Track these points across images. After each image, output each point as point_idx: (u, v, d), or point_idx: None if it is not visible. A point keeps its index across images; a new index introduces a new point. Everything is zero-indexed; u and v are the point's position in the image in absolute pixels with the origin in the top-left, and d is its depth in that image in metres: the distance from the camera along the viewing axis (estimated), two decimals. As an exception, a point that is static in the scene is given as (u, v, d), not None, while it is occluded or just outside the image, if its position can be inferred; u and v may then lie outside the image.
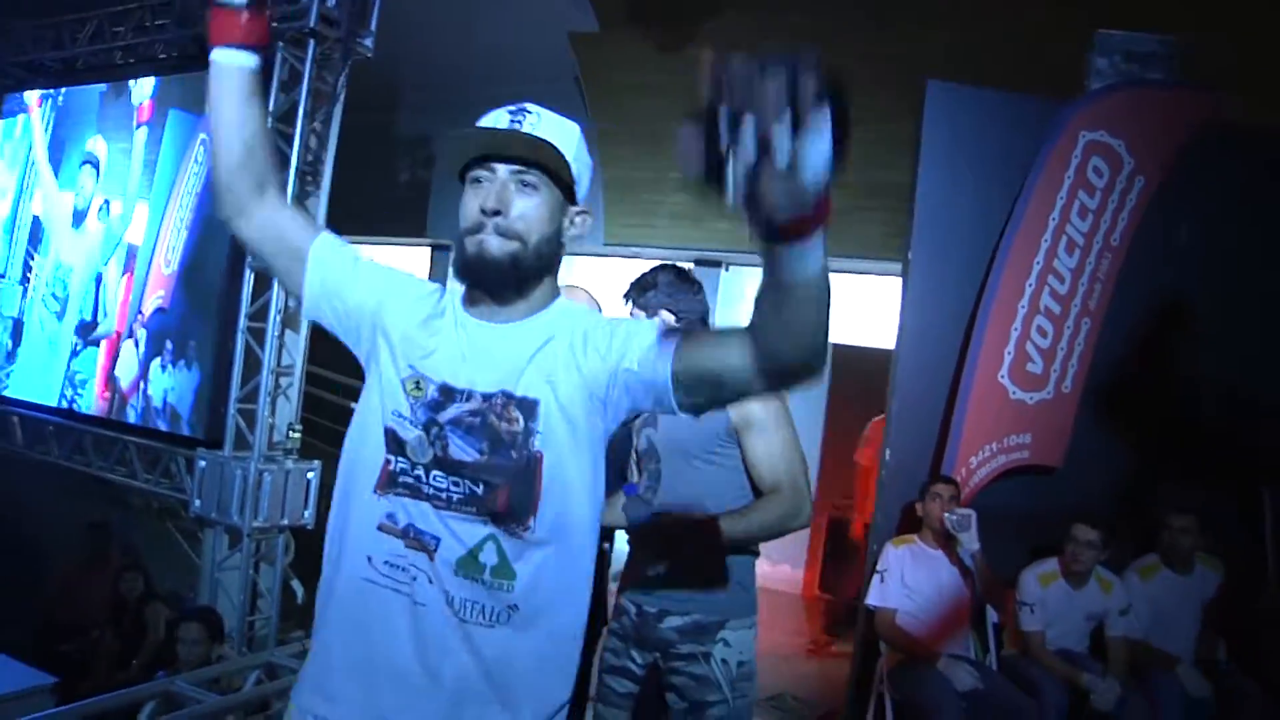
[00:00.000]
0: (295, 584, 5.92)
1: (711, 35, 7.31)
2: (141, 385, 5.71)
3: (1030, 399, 4.40)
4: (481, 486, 1.50)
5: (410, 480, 1.52)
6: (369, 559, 1.53)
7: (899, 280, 4.80)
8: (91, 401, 6.04)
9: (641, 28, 7.58)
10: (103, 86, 6.30)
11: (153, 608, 5.87)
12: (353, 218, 5.68)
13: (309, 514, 5.52)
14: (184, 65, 6.25)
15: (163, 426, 5.59)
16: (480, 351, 1.54)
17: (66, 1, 6.83)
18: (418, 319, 1.58)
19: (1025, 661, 3.99)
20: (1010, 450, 4.39)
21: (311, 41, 5.40)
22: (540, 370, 1.51)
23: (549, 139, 1.47)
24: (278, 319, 5.40)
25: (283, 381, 5.56)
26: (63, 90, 6.53)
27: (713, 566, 2.47)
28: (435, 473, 1.51)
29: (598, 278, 8.39)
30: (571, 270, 8.53)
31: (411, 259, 9.39)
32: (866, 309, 7.39)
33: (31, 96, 6.67)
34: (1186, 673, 3.99)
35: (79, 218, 6.21)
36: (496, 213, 1.47)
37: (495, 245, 1.48)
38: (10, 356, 6.64)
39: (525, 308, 1.55)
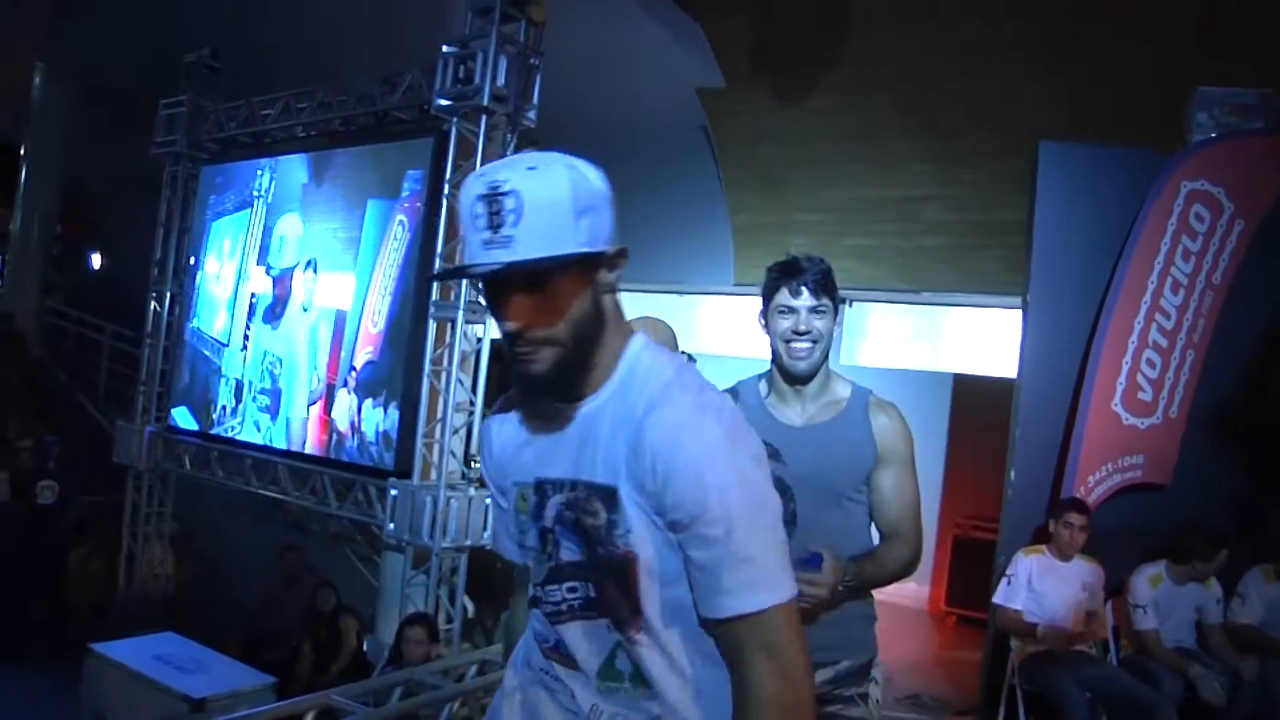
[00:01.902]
0: (466, 600, 6.76)
1: (828, 87, 8.05)
2: (357, 423, 6.65)
3: (1141, 424, 5.00)
4: (593, 588, 1.46)
5: (541, 598, 1.53)
6: (529, 662, 1.62)
7: (1015, 313, 5.43)
8: (310, 443, 7.03)
9: (763, 82, 8.37)
10: (304, 178, 7.31)
11: (345, 620, 6.77)
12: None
13: (487, 535, 6.35)
14: (360, 138, 7.22)
15: (383, 454, 6.53)
16: (556, 435, 1.47)
17: (256, 83, 7.90)
18: (510, 441, 1.57)
19: (1142, 658, 4.57)
20: (1124, 470, 4.99)
21: (484, 116, 6.25)
22: (611, 456, 1.40)
23: (536, 252, 1.28)
24: (457, 363, 6.25)
25: (457, 419, 6.38)
26: (271, 187, 7.58)
27: (863, 610, 2.39)
28: (549, 586, 1.50)
29: (730, 316, 9.21)
30: (702, 309, 9.32)
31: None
32: (985, 341, 7.98)
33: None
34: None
35: (279, 308, 7.34)
36: (522, 330, 1.34)
37: (537, 363, 1.36)
38: (234, 411, 7.68)
39: (592, 382, 1.43)
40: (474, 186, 1.31)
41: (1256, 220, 5.08)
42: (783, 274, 2.31)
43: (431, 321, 6.30)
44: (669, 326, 2.64)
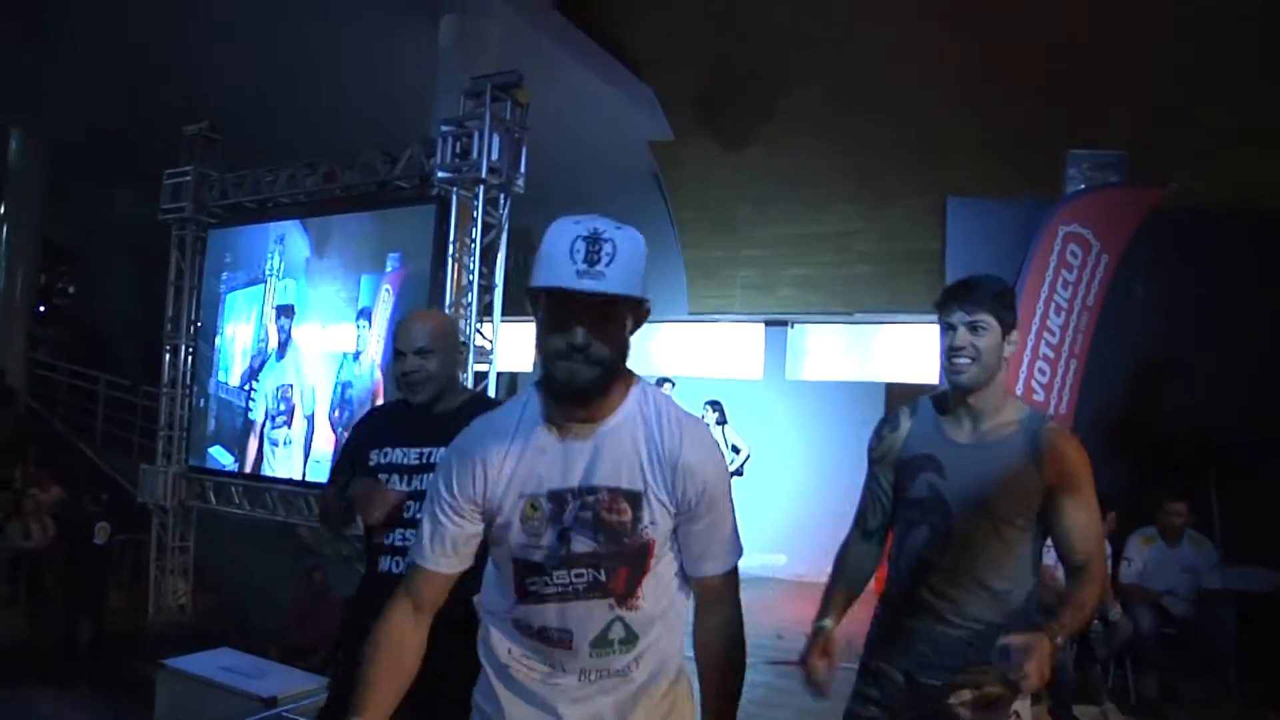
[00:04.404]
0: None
1: (766, 137, 9.51)
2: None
3: (1037, 420, 6.48)
4: (603, 573, 1.80)
5: (540, 589, 1.82)
6: (509, 650, 1.89)
7: (935, 328, 6.87)
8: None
9: (709, 134, 9.82)
10: (307, 252, 8.51)
11: (377, 633, 7.90)
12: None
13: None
14: (363, 204, 8.38)
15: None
16: (568, 452, 1.80)
17: (258, 156, 9.01)
18: (506, 462, 1.83)
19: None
20: (1025, 457, 6.47)
21: (481, 186, 7.50)
22: (633, 466, 1.79)
23: (622, 289, 1.67)
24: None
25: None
26: (281, 265, 8.76)
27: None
28: (558, 572, 1.80)
29: (684, 341, 10.61)
30: (659, 336, 10.67)
31: (519, 333, 11.55)
32: (912, 353, 9.48)
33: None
34: (1169, 603, 6.04)
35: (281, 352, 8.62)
36: (586, 347, 1.70)
37: (585, 374, 1.72)
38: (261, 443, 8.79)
39: (608, 406, 1.81)
40: (573, 229, 1.68)
41: (1117, 255, 6.58)
42: (948, 293, 2.46)
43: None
44: (450, 318, 2.84)
